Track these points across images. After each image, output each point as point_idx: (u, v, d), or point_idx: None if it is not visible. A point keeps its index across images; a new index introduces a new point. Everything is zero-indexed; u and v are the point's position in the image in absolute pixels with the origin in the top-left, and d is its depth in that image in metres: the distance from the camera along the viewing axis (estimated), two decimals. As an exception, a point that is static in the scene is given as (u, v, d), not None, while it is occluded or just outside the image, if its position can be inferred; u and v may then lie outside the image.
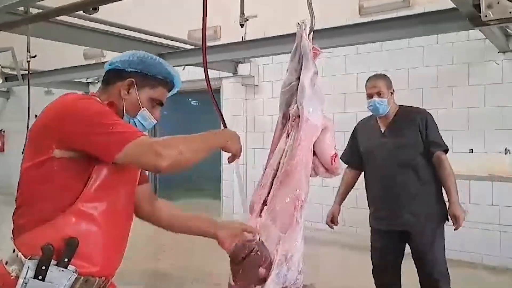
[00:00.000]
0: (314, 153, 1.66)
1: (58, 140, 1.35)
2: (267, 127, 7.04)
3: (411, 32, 4.24)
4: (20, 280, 1.27)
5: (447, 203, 3.02)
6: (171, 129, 10.43)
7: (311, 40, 1.68)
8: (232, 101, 7.24)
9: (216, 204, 7.81)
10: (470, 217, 4.90)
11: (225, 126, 1.67)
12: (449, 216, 2.97)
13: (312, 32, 1.68)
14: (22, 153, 3.95)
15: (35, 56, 3.59)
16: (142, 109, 1.53)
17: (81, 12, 3.31)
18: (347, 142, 3.31)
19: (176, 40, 5.93)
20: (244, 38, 6.20)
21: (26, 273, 1.27)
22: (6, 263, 1.35)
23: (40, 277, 1.27)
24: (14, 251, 1.35)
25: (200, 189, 9.91)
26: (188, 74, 7.33)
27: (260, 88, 7.17)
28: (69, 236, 1.31)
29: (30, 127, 1.47)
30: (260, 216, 1.61)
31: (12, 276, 1.31)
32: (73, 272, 1.32)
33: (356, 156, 3.17)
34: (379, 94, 2.97)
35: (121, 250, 1.52)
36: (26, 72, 7.55)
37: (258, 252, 1.53)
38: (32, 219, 1.35)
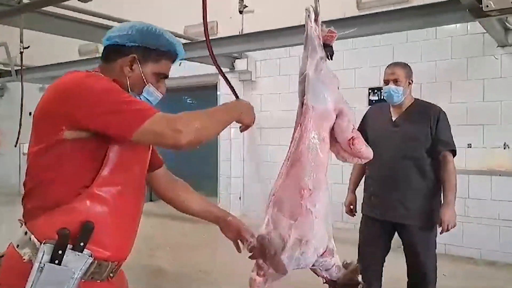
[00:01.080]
0: (336, 139, 1.63)
1: (68, 121, 1.30)
2: (264, 123, 6.99)
3: (410, 25, 4.20)
4: (36, 265, 1.25)
5: None
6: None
7: (319, 25, 1.63)
8: (229, 96, 7.14)
9: (212, 201, 7.76)
10: (470, 212, 4.89)
11: (237, 97, 1.65)
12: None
13: (318, 16, 1.63)
14: (15, 146, 3.87)
15: (28, 47, 3.52)
16: (148, 85, 1.47)
17: (75, 4, 3.26)
18: None
19: (172, 34, 5.86)
20: (241, 33, 6.15)
21: (42, 257, 1.25)
22: (18, 246, 1.32)
23: (56, 262, 1.25)
24: (26, 233, 1.32)
25: (196, 186, 9.87)
26: (183, 70, 7.28)
27: (257, 84, 7.12)
28: (86, 220, 1.29)
29: (34, 110, 1.40)
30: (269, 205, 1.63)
31: (24, 259, 1.29)
32: (89, 256, 1.30)
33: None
34: (395, 82, 2.92)
35: (133, 235, 1.50)
36: (20, 67, 7.50)
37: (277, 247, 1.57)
38: (45, 202, 1.32)
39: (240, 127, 1.57)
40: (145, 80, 1.46)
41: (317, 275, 1.76)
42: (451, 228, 2.81)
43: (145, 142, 1.34)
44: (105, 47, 1.50)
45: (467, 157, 5.37)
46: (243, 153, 7.36)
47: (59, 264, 1.25)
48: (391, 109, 3.01)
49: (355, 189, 3.25)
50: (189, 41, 5.86)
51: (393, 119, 2.99)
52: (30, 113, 4.86)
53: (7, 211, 6.85)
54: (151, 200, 8.45)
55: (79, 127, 1.31)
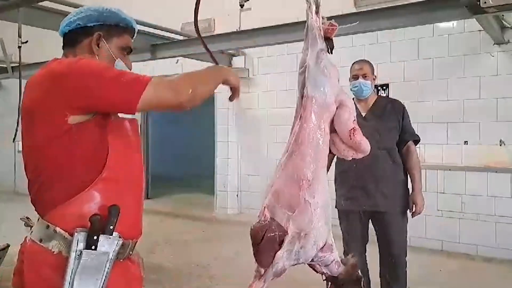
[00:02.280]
0: (334, 130, 1.63)
1: (71, 106, 1.31)
2: (261, 121, 7.00)
3: (408, 22, 4.20)
4: (73, 254, 1.28)
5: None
6: (161, 121, 10.37)
7: (320, 17, 1.64)
8: (226, 94, 7.17)
9: (209, 199, 7.77)
10: (466, 209, 4.92)
11: (216, 63, 1.71)
12: (410, 201, 3.10)
13: (319, 8, 1.63)
14: (14, 141, 3.85)
15: (27, 41, 3.51)
16: (117, 60, 1.52)
17: (76, 1, 3.25)
18: None
19: (169, 31, 5.86)
20: (239, 29, 6.15)
21: (77, 245, 1.28)
22: (41, 240, 1.34)
23: (93, 247, 1.29)
24: (48, 227, 1.34)
25: (193, 184, 9.88)
26: (181, 67, 7.28)
27: (254, 81, 7.12)
28: (112, 204, 1.33)
29: (23, 103, 1.41)
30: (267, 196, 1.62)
31: (54, 251, 1.31)
32: (118, 237, 1.34)
33: None
34: (364, 77, 3.13)
35: (141, 211, 1.54)
36: (16, 64, 7.46)
37: (276, 233, 1.54)
38: (64, 192, 1.34)
39: (229, 97, 1.61)
40: (113, 55, 1.51)
41: (316, 271, 1.73)
42: (421, 210, 3.07)
43: (150, 108, 1.38)
44: (65, 34, 1.53)
45: (463, 154, 5.40)
46: (239, 151, 7.36)
47: (95, 249, 1.29)
48: (358, 105, 3.15)
49: None
50: (186, 38, 5.85)
51: (363, 114, 3.14)
52: (20, 109, 4.77)
53: (3, 208, 6.84)
54: (148, 198, 8.47)
55: (83, 110, 1.33)
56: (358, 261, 1.81)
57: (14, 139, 3.45)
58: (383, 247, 3.12)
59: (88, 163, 1.35)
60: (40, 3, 3.58)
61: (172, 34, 5.93)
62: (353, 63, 3.28)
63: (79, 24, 1.49)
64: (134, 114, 1.35)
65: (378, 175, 3.03)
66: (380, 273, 3.16)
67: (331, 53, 1.73)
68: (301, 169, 1.57)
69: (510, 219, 4.67)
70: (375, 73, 3.27)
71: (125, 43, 1.55)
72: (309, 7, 1.62)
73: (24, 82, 4.18)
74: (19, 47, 3.51)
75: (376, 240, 3.17)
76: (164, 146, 10.17)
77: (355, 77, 3.15)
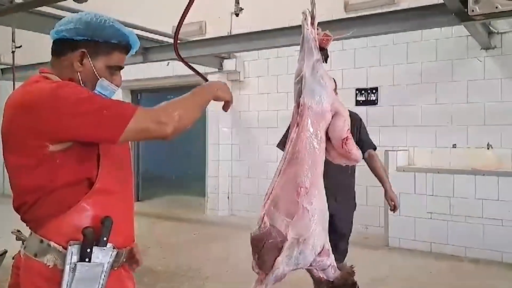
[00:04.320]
0: (328, 139, 1.68)
1: (50, 137, 1.28)
2: (253, 123, 7.03)
3: (398, 27, 4.27)
4: (67, 266, 1.29)
5: None
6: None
7: (315, 28, 1.68)
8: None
9: (200, 201, 7.78)
10: (454, 211, 4.99)
11: (206, 80, 1.67)
12: (387, 200, 3.52)
13: (315, 20, 1.67)
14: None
15: (20, 46, 3.50)
16: (101, 79, 1.43)
17: (68, 4, 3.26)
18: None
19: (161, 34, 5.88)
20: (230, 33, 6.18)
21: (71, 258, 1.29)
22: (36, 255, 1.33)
23: (86, 260, 1.30)
24: (42, 241, 1.33)
25: (184, 186, 9.86)
26: (172, 70, 7.29)
27: (245, 84, 7.16)
28: (104, 216, 1.33)
29: (2, 125, 1.37)
30: (266, 203, 1.65)
31: (49, 265, 1.31)
32: (112, 248, 1.36)
33: None
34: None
35: (132, 219, 1.55)
36: (6, 66, 7.40)
37: (276, 239, 1.59)
38: (55, 207, 1.33)
39: (223, 107, 1.59)
40: (97, 74, 1.42)
41: (313, 276, 1.77)
42: (398, 204, 3.48)
43: (132, 140, 1.37)
44: (54, 41, 1.45)
45: (451, 157, 5.49)
46: (230, 153, 7.38)
47: (89, 261, 1.30)
48: None
49: None
50: (178, 42, 5.86)
51: None
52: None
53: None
54: (138, 200, 8.45)
55: (62, 140, 1.30)
56: (353, 267, 1.85)
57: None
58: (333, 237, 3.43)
59: (76, 180, 1.33)
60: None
61: (163, 37, 5.94)
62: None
63: (65, 35, 1.40)
64: (115, 144, 1.33)
65: (336, 182, 3.09)
66: None
67: (326, 62, 1.77)
68: (299, 177, 1.61)
69: (498, 221, 4.75)
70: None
71: (114, 61, 1.45)
72: (305, 18, 1.66)
73: (17, 85, 4.19)
74: (13, 52, 3.50)
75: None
76: (155, 148, 10.15)
77: None
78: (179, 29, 1.69)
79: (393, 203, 3.45)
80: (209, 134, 7.48)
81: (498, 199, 4.76)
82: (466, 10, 3.21)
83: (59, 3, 3.74)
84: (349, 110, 3.32)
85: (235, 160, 7.35)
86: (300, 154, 1.62)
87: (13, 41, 3.49)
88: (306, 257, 1.60)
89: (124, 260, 1.46)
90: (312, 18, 1.66)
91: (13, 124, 1.33)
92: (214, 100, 1.52)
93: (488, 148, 5.30)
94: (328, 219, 1.70)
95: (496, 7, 3.04)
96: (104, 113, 1.27)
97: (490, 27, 5.14)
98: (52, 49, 1.45)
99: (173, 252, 5.28)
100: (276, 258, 1.57)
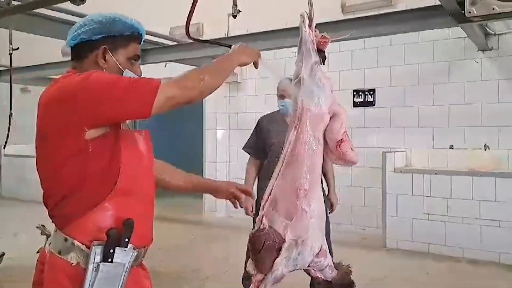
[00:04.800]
0: (326, 141, 1.69)
1: (89, 120, 1.35)
2: (250, 125, 7.02)
3: (395, 29, 4.28)
4: (90, 266, 1.33)
5: None
6: (152, 127, 10.31)
7: (313, 30, 1.68)
8: (215, 98, 7.20)
9: (197, 203, 7.77)
10: (451, 212, 5.01)
11: (229, 46, 1.68)
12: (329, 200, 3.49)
13: (312, 22, 1.68)
14: (4, 147, 3.83)
15: (18, 48, 3.50)
16: (125, 71, 1.52)
17: (65, 6, 3.25)
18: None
19: (158, 36, 5.87)
20: (227, 35, 6.18)
21: (94, 258, 1.34)
22: (59, 253, 1.38)
23: (109, 260, 1.34)
24: (66, 240, 1.38)
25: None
26: (170, 71, 7.28)
27: (243, 86, 7.16)
28: (126, 218, 1.38)
29: (37, 123, 1.43)
30: (265, 205, 1.67)
31: (72, 263, 1.36)
32: (133, 249, 1.40)
33: (260, 146, 3.50)
34: (290, 96, 3.34)
35: (152, 220, 1.58)
36: (3, 68, 7.37)
37: (275, 240, 1.60)
38: (81, 206, 1.38)
39: (254, 65, 1.64)
40: (121, 67, 1.51)
41: (311, 276, 1.79)
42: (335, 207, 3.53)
43: (162, 110, 1.37)
44: (72, 47, 1.53)
45: (449, 158, 5.51)
46: (228, 155, 7.38)
47: (111, 261, 1.35)
48: (286, 118, 3.34)
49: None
50: (176, 43, 5.87)
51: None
52: (11, 114, 4.68)
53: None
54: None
55: (100, 123, 1.36)
56: (350, 267, 1.86)
57: (5, 145, 3.45)
58: None
59: (103, 177, 1.39)
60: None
61: (161, 39, 5.94)
62: (279, 83, 3.45)
63: (83, 38, 1.49)
64: (148, 117, 1.37)
65: None
66: None
67: (324, 64, 1.77)
68: (298, 179, 1.62)
69: (495, 222, 4.77)
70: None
71: (132, 52, 1.55)
72: (303, 21, 1.66)
73: (14, 87, 4.19)
74: (10, 54, 3.50)
75: None
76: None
77: (282, 97, 3.35)
78: (193, 10, 1.74)
79: (333, 207, 3.52)
80: (206, 135, 7.48)
81: (495, 200, 4.78)
82: (463, 11, 3.22)
83: (57, 5, 3.74)
84: None
85: (232, 161, 7.35)
86: (299, 156, 1.63)
87: (11, 43, 3.49)
88: (304, 258, 1.62)
89: (142, 259, 1.53)
90: (310, 20, 1.66)
91: (49, 119, 1.39)
92: (241, 66, 1.57)
93: (485, 149, 5.31)
94: (325, 220, 1.71)
95: (493, 9, 3.05)
96: (134, 86, 1.34)
97: (487, 29, 5.16)
98: (72, 55, 1.54)
99: (172, 254, 5.27)
100: (274, 259, 1.59)
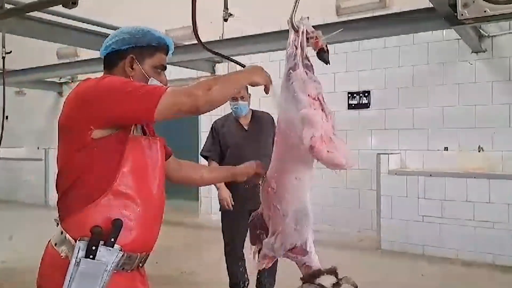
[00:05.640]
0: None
1: (96, 119, 1.42)
2: (245, 127, 7.03)
3: (389, 31, 4.30)
4: (73, 260, 1.37)
5: None
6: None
7: (300, 35, 1.67)
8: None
9: (193, 205, 7.76)
10: (445, 214, 5.02)
11: (243, 66, 1.71)
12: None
13: (300, 27, 1.67)
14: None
15: (10, 52, 3.49)
16: (150, 79, 1.60)
17: (60, 9, 3.25)
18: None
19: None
20: (222, 38, 6.19)
21: (78, 253, 1.37)
22: (56, 244, 1.46)
23: (91, 256, 1.37)
24: (62, 233, 1.45)
25: (178, 188, 9.82)
26: (169, 74, 7.26)
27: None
28: (115, 218, 1.41)
29: (59, 118, 1.51)
30: None
31: (62, 256, 1.42)
32: (119, 250, 1.41)
33: (217, 149, 3.72)
34: (242, 98, 3.53)
35: (157, 225, 1.60)
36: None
37: (258, 225, 1.86)
38: (78, 201, 1.44)
39: (264, 90, 1.67)
40: (147, 75, 1.59)
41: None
42: None
43: (168, 114, 1.40)
44: (104, 57, 1.65)
45: (443, 160, 5.52)
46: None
47: (93, 258, 1.37)
48: (240, 120, 3.64)
49: (223, 184, 3.63)
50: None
51: (246, 127, 3.64)
52: (6, 117, 4.68)
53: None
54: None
55: (106, 123, 1.43)
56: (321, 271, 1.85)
57: (-1, 145, 3.44)
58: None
59: (101, 176, 1.43)
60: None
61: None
62: None
63: (113, 48, 1.60)
64: (154, 122, 1.42)
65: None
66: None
67: (329, 63, 1.76)
68: (270, 179, 1.76)
69: (489, 223, 4.78)
70: (249, 92, 3.61)
71: (158, 61, 1.62)
72: (291, 26, 1.66)
73: (7, 90, 4.18)
74: (3, 57, 3.49)
75: None
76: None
77: (234, 99, 3.51)
78: (195, 16, 1.79)
79: (225, 202, 3.55)
80: (201, 137, 7.47)
81: (489, 202, 4.79)
82: (455, 14, 3.24)
83: (50, 9, 3.73)
84: (262, 111, 3.66)
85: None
86: (276, 157, 1.74)
87: (3, 46, 3.48)
88: (277, 249, 1.74)
89: (140, 265, 1.56)
90: (292, 24, 1.67)
91: (64, 115, 1.49)
92: (251, 85, 1.60)
93: (479, 151, 5.33)
94: (311, 221, 1.72)
95: (485, 11, 3.06)
96: (140, 91, 1.40)
97: (481, 30, 5.18)
98: (104, 64, 1.65)
99: (167, 256, 5.26)
100: (259, 239, 1.84)
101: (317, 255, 1.79)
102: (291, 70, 1.69)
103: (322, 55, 1.73)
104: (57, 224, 1.49)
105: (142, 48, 1.60)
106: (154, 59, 1.61)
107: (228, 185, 3.56)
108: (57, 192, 1.51)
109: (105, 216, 1.41)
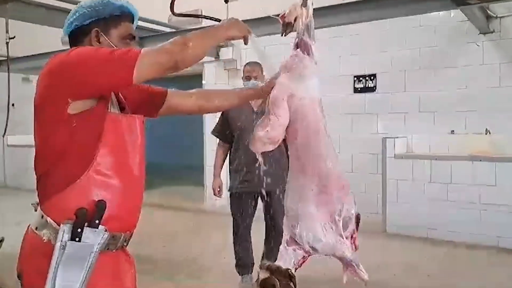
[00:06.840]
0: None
1: (72, 89, 1.37)
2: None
3: (393, 12, 4.24)
4: (58, 244, 1.35)
5: None
6: (151, 131, 10.22)
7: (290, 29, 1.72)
8: (214, 86, 7.17)
9: (199, 191, 7.77)
10: (451, 197, 5.00)
11: (218, 21, 1.62)
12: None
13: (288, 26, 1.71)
14: (3, 136, 3.86)
15: (14, 37, 3.47)
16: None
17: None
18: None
19: (157, 23, 5.84)
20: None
21: (62, 237, 1.35)
22: (36, 228, 1.42)
23: (77, 239, 1.35)
24: (42, 217, 1.42)
25: (182, 177, 9.84)
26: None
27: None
28: (98, 199, 1.39)
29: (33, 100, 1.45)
30: None
31: (44, 239, 1.39)
32: (104, 231, 1.40)
33: (228, 131, 3.72)
34: (255, 78, 3.54)
35: (138, 203, 1.58)
36: (2, 58, 7.36)
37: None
38: (57, 183, 1.40)
39: (243, 42, 1.61)
40: (115, 47, 1.52)
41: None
42: None
43: (146, 75, 1.37)
44: (69, 36, 1.58)
45: (450, 144, 5.48)
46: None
47: (79, 241, 1.35)
48: (251, 103, 3.55)
49: (220, 174, 3.83)
50: (174, 30, 5.83)
51: (255, 109, 3.57)
52: (13, 105, 4.75)
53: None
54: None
55: (82, 94, 1.38)
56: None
57: (4, 134, 3.45)
58: (270, 221, 3.58)
59: (80, 155, 1.40)
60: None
61: (159, 26, 5.90)
62: (245, 65, 3.70)
63: (76, 25, 1.54)
64: (131, 85, 1.38)
65: (266, 160, 3.24)
66: (264, 242, 3.65)
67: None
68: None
69: (494, 206, 4.76)
70: (263, 73, 3.61)
71: (124, 31, 1.57)
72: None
73: (16, 76, 4.17)
74: (7, 43, 3.48)
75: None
76: (152, 138, 10.09)
77: (248, 78, 3.55)
78: None
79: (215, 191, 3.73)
80: (206, 122, 7.44)
81: (495, 185, 4.77)
82: (462, -6, 3.20)
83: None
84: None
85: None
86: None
87: (7, 32, 3.46)
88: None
89: (125, 244, 1.53)
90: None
91: (41, 94, 1.43)
92: (229, 39, 1.56)
93: (486, 134, 5.29)
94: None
95: (492, -9, 3.02)
96: (114, 55, 1.35)
97: (488, 11, 5.09)
98: (70, 43, 1.58)
99: (172, 241, 5.31)
100: None
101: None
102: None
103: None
104: (35, 208, 1.47)
105: (105, 19, 1.54)
106: (120, 29, 1.56)
107: (235, 169, 3.64)
108: (36, 175, 1.48)
109: (86, 197, 1.38)
